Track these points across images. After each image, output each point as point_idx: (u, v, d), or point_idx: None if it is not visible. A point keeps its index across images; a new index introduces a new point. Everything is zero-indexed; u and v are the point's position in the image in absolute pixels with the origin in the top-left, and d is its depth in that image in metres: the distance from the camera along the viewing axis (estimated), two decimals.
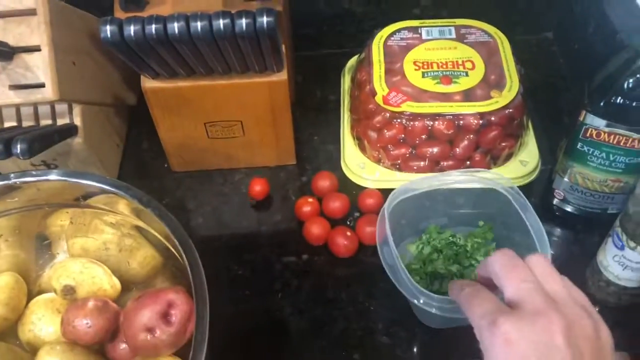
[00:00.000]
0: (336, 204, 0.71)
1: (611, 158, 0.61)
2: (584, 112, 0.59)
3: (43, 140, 0.60)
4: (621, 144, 0.59)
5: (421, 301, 0.55)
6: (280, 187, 0.76)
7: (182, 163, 0.77)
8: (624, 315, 0.63)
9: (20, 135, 0.56)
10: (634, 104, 0.55)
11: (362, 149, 0.75)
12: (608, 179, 0.63)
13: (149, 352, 0.53)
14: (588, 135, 0.60)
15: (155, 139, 0.74)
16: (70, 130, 0.66)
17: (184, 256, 0.51)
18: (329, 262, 0.69)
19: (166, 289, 0.54)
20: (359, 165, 0.74)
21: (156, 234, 0.56)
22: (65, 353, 0.54)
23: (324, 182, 0.73)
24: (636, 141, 0.58)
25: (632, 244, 0.56)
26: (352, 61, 0.85)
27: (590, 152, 0.62)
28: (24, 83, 0.62)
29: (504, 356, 0.37)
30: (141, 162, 0.80)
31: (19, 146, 0.55)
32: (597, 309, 0.40)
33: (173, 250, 0.55)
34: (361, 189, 0.73)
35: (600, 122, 0.59)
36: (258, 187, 0.73)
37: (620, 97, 0.56)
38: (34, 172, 0.55)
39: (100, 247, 0.62)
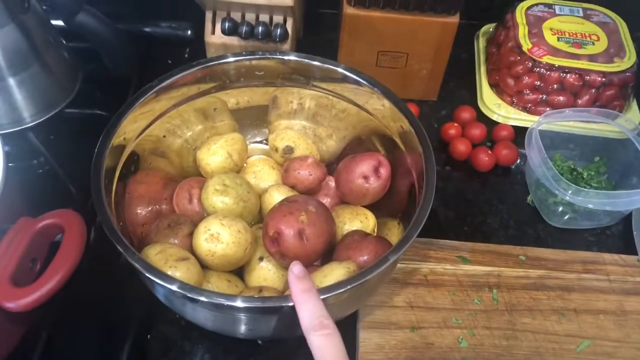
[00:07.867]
0: (477, 131, 0.87)
1: None
2: None
3: (279, 35, 0.76)
4: None
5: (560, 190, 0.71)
6: (424, 116, 0.92)
7: None
8: None
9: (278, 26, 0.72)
10: None
11: (499, 92, 0.92)
12: None
13: (359, 196, 0.68)
14: None
15: None
16: (285, 36, 0.82)
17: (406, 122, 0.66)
18: (468, 174, 0.85)
19: (375, 152, 0.70)
20: (494, 104, 0.91)
21: (369, 108, 0.72)
22: (288, 192, 0.70)
23: (465, 113, 0.90)
24: None
25: None
26: (485, 28, 1.02)
27: None
28: None
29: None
30: None
31: (279, 31, 0.71)
32: None
33: (379, 121, 0.71)
34: (494, 124, 0.90)
35: None
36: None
37: None
38: (279, 52, 0.71)
39: (300, 130, 0.77)
